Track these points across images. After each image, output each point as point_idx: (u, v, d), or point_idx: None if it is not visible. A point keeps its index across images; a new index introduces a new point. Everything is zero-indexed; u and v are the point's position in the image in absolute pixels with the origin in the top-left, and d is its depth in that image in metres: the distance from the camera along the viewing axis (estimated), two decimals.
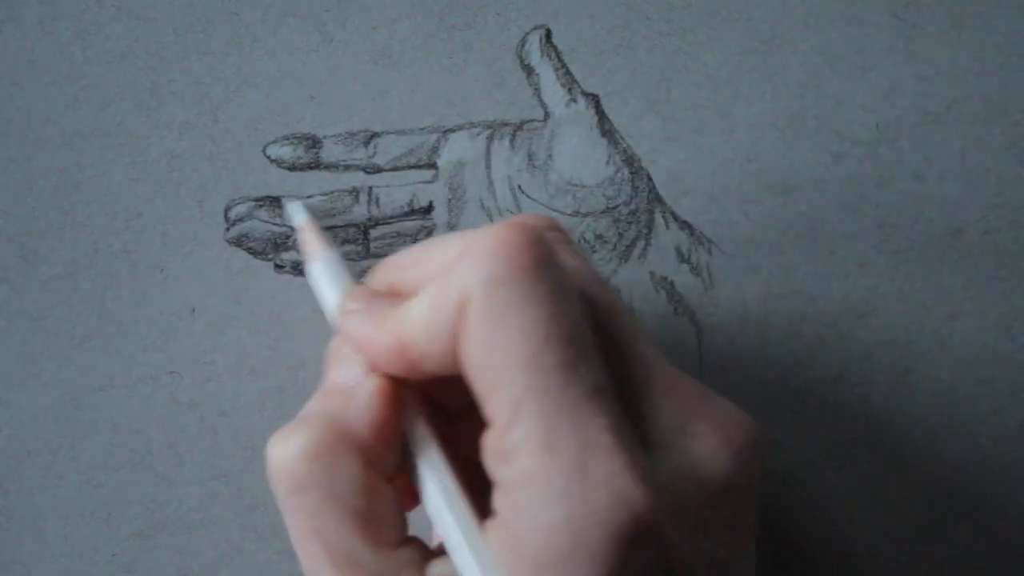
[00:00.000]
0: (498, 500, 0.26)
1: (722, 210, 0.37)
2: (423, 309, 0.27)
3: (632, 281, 0.37)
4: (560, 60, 0.37)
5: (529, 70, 0.37)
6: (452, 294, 0.26)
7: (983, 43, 0.37)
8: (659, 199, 0.37)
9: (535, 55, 0.37)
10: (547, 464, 0.25)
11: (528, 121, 0.37)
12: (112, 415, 0.36)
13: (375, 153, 0.37)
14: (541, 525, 0.25)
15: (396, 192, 0.37)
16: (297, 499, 0.27)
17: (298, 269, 0.37)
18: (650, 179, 0.37)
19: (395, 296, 0.29)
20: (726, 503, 0.27)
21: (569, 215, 0.36)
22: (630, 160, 0.37)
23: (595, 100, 0.37)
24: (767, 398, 0.36)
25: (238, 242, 0.37)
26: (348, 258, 0.37)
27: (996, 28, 0.37)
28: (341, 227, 0.37)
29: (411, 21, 0.37)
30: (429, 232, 0.37)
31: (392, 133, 0.37)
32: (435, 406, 0.30)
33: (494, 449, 0.26)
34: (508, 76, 0.37)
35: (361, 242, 0.37)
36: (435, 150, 0.37)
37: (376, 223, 0.37)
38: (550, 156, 0.37)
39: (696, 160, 0.37)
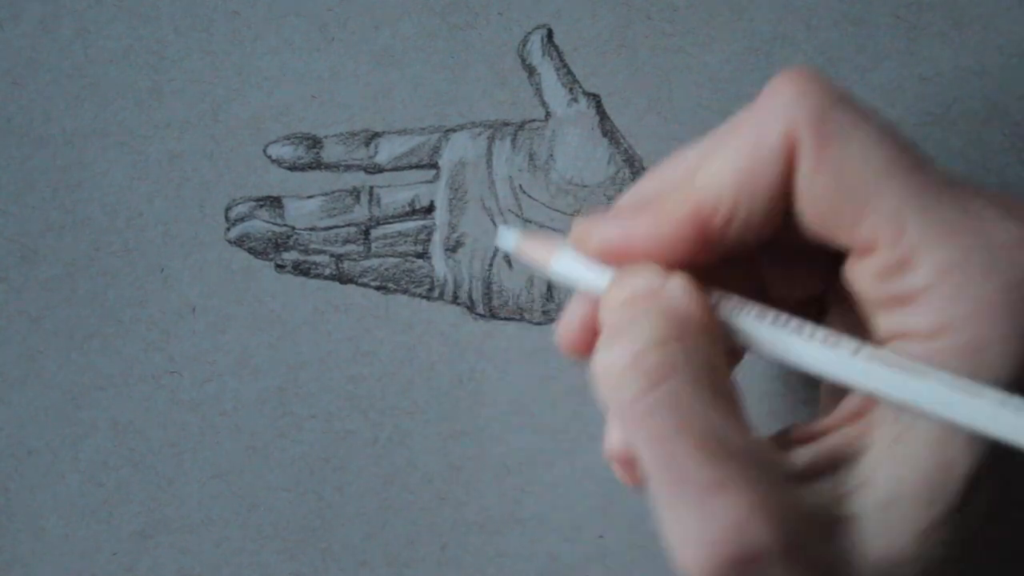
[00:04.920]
0: (895, 321, 0.25)
1: None
2: (730, 162, 0.26)
3: None
4: (562, 60, 0.37)
5: (531, 70, 0.37)
6: (775, 131, 0.25)
7: (984, 44, 0.37)
8: None
9: (537, 55, 0.37)
10: (960, 248, 0.24)
11: (530, 121, 0.37)
12: (112, 415, 0.36)
13: (376, 153, 0.37)
14: (974, 307, 0.24)
15: (397, 192, 0.37)
16: (657, 392, 0.24)
17: (299, 269, 0.37)
18: None
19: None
20: None
21: (570, 215, 0.37)
22: (631, 160, 0.37)
23: (597, 100, 0.37)
24: (767, 398, 0.36)
25: (239, 242, 0.37)
26: (349, 258, 0.37)
27: (997, 29, 0.37)
28: (342, 227, 0.37)
29: (413, 20, 0.37)
30: (430, 232, 0.37)
31: (393, 133, 0.37)
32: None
33: (886, 266, 0.25)
34: (510, 76, 0.37)
35: (362, 242, 0.37)
36: (436, 150, 0.37)
37: (377, 223, 0.37)
38: (551, 156, 0.37)
39: None
